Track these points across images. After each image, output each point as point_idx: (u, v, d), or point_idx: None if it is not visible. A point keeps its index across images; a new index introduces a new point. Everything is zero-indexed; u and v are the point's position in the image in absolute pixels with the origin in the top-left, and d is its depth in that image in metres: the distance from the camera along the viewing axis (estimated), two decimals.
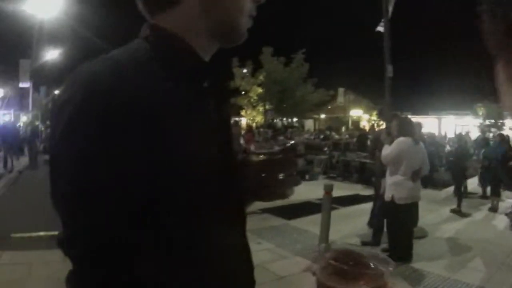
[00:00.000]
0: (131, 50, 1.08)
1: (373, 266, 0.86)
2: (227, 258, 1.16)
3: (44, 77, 31.03)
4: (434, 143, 16.85)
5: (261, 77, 32.13)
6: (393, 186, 6.56)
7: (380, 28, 14.53)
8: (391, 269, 0.85)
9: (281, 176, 1.24)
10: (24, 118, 29.90)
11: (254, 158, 1.26)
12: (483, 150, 13.82)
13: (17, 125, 25.97)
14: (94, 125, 0.91)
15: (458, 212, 10.94)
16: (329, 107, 42.76)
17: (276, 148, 1.26)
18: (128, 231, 0.93)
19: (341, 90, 38.99)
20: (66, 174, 0.93)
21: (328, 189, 6.97)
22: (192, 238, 1.05)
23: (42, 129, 25.46)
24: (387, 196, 6.63)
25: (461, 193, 11.66)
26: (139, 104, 0.95)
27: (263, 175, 1.23)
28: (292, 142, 1.40)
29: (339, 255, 0.88)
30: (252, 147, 1.30)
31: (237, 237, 1.25)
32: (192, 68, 1.13)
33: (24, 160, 20.44)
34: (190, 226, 1.04)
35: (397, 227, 6.68)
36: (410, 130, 6.78)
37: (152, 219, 0.97)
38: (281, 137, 18.43)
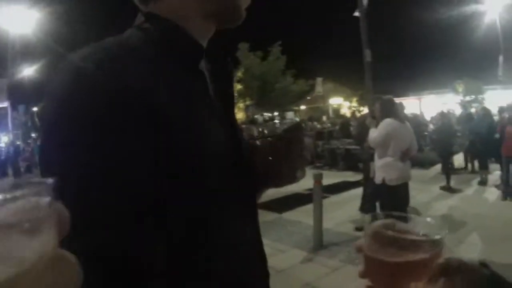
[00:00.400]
0: (122, 38, 1.04)
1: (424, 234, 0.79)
2: (239, 252, 1.10)
3: (21, 95, 30.83)
4: (417, 123, 16.89)
5: (239, 74, 32.03)
6: (383, 168, 6.49)
7: (357, 13, 14.51)
8: (444, 234, 0.78)
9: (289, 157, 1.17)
10: (5, 139, 29.60)
11: (259, 142, 1.18)
12: (467, 126, 13.88)
13: None
14: (81, 116, 0.83)
15: (448, 189, 11.01)
16: (308, 98, 42.83)
17: (280, 129, 1.18)
18: (128, 228, 0.83)
19: (319, 79, 39.05)
20: (55, 169, 0.83)
21: (318, 178, 6.91)
22: (200, 231, 0.98)
23: (23, 148, 25.22)
24: (378, 179, 6.57)
25: (448, 170, 11.71)
26: (131, 91, 0.87)
27: (270, 158, 1.16)
28: (297, 119, 1.32)
29: (386, 225, 0.80)
30: (255, 132, 1.22)
31: (249, 229, 1.18)
32: (185, 50, 1.09)
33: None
34: (197, 218, 0.97)
35: (390, 209, 6.60)
36: (394, 111, 6.73)
37: (156, 215, 0.88)
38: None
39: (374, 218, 0.82)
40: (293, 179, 1.22)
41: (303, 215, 8.44)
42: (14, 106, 30.69)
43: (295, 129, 1.19)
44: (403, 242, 0.75)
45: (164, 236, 0.90)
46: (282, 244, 6.91)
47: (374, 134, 6.61)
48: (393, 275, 0.76)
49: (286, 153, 1.17)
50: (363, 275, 0.81)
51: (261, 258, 1.24)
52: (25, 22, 24.51)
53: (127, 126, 0.85)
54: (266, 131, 1.19)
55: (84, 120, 0.83)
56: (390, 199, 6.38)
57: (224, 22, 1.20)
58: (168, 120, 0.92)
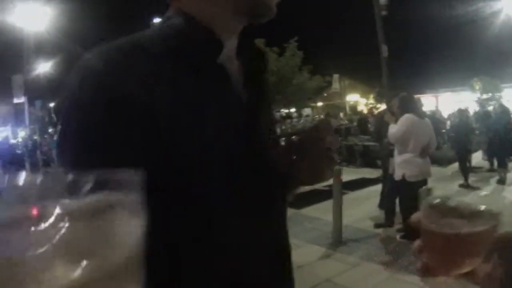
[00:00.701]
0: (136, 37, 1.03)
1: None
2: (245, 253, 1.07)
3: (38, 91, 31.05)
4: (435, 120, 16.76)
5: None
6: (403, 164, 6.46)
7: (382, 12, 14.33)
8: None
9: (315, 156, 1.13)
10: (22, 134, 29.84)
11: (283, 141, 1.15)
12: (484, 124, 13.75)
13: (16, 140, 25.93)
14: (87, 115, 0.88)
15: (466, 187, 10.90)
16: (325, 94, 42.74)
17: (306, 126, 1.14)
18: None
19: (335, 76, 38.84)
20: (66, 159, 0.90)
21: (338, 174, 6.88)
22: (201, 230, 0.99)
23: (40, 142, 25.40)
24: (397, 175, 6.54)
25: (466, 168, 11.60)
26: (131, 92, 0.90)
27: (294, 157, 1.13)
28: (322, 117, 1.27)
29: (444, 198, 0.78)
30: (278, 130, 1.20)
31: (263, 231, 1.13)
32: (197, 46, 1.06)
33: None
34: (198, 218, 0.98)
35: (410, 206, 6.57)
36: (413, 106, 6.70)
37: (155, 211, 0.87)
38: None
39: (430, 192, 0.81)
40: (320, 178, 1.20)
41: (321, 211, 8.41)
42: (30, 102, 30.92)
43: (321, 127, 1.16)
44: (463, 212, 0.74)
45: (164, 233, 0.90)
46: (300, 240, 6.92)
47: (393, 129, 6.56)
48: (452, 248, 0.73)
49: (312, 151, 1.14)
50: (419, 250, 0.79)
51: (277, 260, 1.19)
52: (40, 19, 24.66)
53: (125, 126, 0.88)
54: (290, 129, 1.15)
55: (89, 119, 0.87)
56: (410, 196, 6.33)
57: (255, 18, 1.16)
58: (168, 121, 0.92)
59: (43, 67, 30.26)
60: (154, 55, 0.97)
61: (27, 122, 29.18)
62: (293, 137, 1.13)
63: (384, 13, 13.33)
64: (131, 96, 0.89)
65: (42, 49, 27.80)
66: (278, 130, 1.13)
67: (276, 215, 1.19)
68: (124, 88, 0.89)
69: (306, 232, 7.48)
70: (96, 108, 0.87)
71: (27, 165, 20.65)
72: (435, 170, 11.23)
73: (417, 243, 0.79)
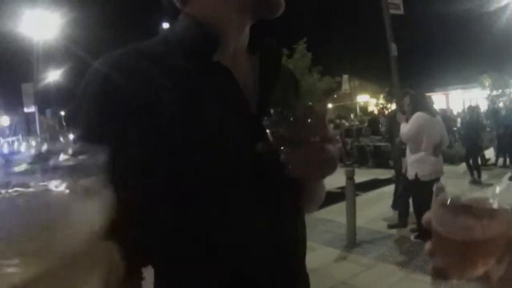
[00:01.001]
0: (142, 43, 1.09)
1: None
2: (246, 251, 1.07)
3: (48, 99, 31.22)
4: (446, 118, 16.68)
5: None
6: (416, 163, 6.41)
7: (397, 11, 14.18)
8: None
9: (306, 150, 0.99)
10: (33, 143, 30.06)
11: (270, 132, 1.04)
12: (495, 119, 13.68)
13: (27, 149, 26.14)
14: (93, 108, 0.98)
15: (479, 183, 10.82)
16: (335, 96, 42.65)
17: (289, 117, 1.04)
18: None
19: (345, 77, 38.73)
20: None
21: (350, 175, 6.84)
22: (199, 227, 1.01)
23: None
24: (410, 174, 6.49)
25: (478, 165, 11.53)
26: (133, 94, 0.96)
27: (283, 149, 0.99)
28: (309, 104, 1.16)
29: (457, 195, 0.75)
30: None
31: (268, 229, 1.10)
32: (194, 44, 1.09)
33: None
34: (196, 215, 1.01)
35: (424, 205, 6.51)
36: (424, 104, 6.65)
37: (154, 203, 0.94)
38: None
39: (441, 190, 0.77)
40: (318, 175, 1.07)
41: (335, 213, 8.35)
42: (41, 110, 31.13)
43: (306, 115, 0.98)
44: (476, 210, 0.71)
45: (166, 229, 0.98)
46: (314, 242, 6.87)
47: (405, 128, 6.52)
48: (465, 252, 0.71)
49: (302, 143, 0.98)
50: (431, 252, 0.76)
51: (284, 259, 1.15)
52: (49, 28, 24.81)
53: (127, 125, 0.94)
54: (276, 120, 1.04)
55: (94, 120, 0.97)
56: (423, 195, 6.28)
57: (263, 14, 1.16)
58: (166, 116, 0.97)
59: (53, 76, 30.43)
60: (153, 56, 1.02)
61: (38, 131, 29.41)
62: (280, 129, 1.02)
63: (399, 12, 13.21)
64: (131, 91, 0.96)
65: (51, 57, 27.97)
66: (265, 122, 1.03)
67: (282, 214, 1.15)
68: (126, 85, 0.96)
69: (320, 235, 7.44)
70: (99, 99, 0.97)
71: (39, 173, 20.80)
72: (446, 168, 11.17)
73: (428, 245, 0.76)
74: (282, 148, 0.98)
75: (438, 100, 29.55)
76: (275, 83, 1.18)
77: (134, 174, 0.90)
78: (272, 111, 0.97)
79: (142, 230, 0.90)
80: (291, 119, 0.96)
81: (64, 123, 30.01)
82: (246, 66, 1.17)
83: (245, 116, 1.09)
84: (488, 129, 15.11)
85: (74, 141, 1.01)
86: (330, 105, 46.27)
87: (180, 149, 0.97)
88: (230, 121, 1.05)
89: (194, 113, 1.00)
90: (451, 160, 13.82)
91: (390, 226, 7.57)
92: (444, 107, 27.08)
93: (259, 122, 1.01)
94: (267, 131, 0.98)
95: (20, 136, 32.24)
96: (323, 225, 8.12)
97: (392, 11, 13.08)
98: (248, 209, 1.07)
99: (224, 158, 1.01)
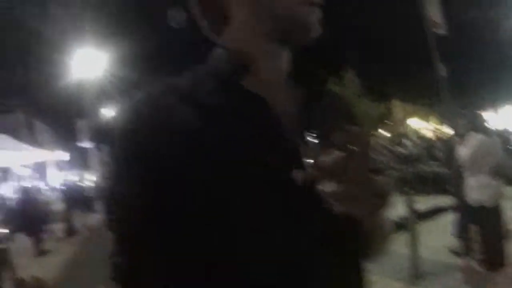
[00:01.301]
0: (178, 80, 1.07)
1: None
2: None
3: (103, 136, 32.48)
4: (502, 138, 16.22)
5: None
6: (476, 187, 6.11)
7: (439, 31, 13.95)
8: None
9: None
10: (90, 177, 31.38)
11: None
12: None
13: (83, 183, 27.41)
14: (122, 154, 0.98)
15: None
16: (386, 121, 42.31)
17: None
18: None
19: (395, 102, 38.55)
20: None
21: (412, 204, 6.67)
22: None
23: None
24: (471, 199, 6.18)
25: None
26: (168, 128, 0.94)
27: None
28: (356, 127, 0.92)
29: None
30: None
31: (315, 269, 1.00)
32: (227, 71, 1.05)
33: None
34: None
35: (489, 231, 6.21)
36: (481, 125, 6.40)
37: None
38: None
39: None
40: (367, 210, 0.87)
41: (395, 244, 8.11)
42: (97, 146, 32.64)
43: (352, 143, 0.79)
44: None
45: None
46: (374, 274, 6.56)
47: (463, 152, 6.27)
48: None
49: (346, 177, 0.80)
50: None
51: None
52: (96, 66, 25.99)
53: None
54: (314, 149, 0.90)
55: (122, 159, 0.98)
56: (488, 222, 5.98)
57: (298, 41, 1.10)
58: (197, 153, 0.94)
59: (105, 111, 31.68)
60: (186, 97, 0.99)
61: (94, 165, 30.83)
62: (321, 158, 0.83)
63: (442, 32, 12.96)
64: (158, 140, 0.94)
65: (102, 94, 29.19)
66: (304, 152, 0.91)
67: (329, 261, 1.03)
68: (153, 132, 0.94)
69: (379, 266, 7.12)
70: (131, 149, 0.96)
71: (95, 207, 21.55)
72: (507, 190, 10.85)
73: None
74: (323, 180, 0.81)
75: (491, 118, 28.98)
76: (318, 111, 1.10)
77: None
78: (311, 139, 0.94)
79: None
80: (334, 147, 0.79)
81: None
82: (287, 96, 1.10)
83: (283, 146, 1.01)
84: None
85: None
86: (381, 131, 45.92)
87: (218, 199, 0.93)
88: (267, 153, 1.00)
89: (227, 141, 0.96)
90: (510, 181, 13.38)
91: (455, 253, 7.34)
92: (498, 126, 26.55)
93: (297, 152, 0.96)
94: (307, 161, 0.88)
95: (75, 171, 34.06)
96: (383, 256, 7.87)
97: (434, 30, 12.81)
98: (293, 252, 0.98)
99: (265, 198, 0.97)
